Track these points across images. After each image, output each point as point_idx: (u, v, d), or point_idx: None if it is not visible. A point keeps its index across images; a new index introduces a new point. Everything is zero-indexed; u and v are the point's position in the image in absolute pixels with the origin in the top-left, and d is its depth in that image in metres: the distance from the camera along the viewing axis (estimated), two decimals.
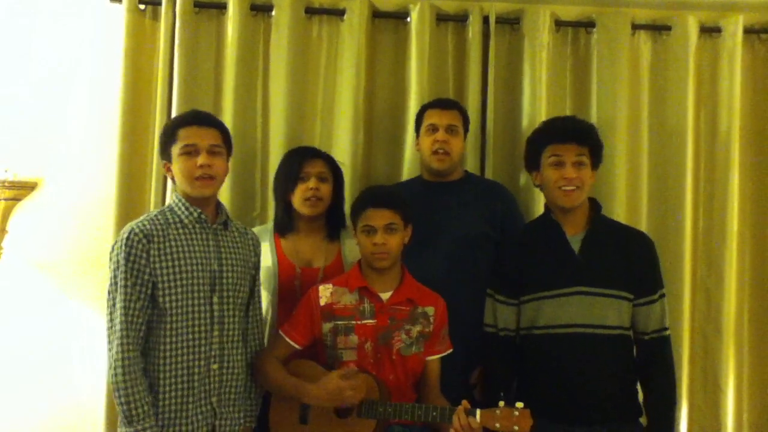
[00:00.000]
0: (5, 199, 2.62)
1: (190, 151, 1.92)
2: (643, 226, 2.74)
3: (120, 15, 2.66)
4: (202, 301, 1.90)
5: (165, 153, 1.98)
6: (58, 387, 2.69)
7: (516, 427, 1.82)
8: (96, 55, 2.73)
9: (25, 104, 2.71)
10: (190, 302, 1.88)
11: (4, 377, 2.67)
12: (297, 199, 2.31)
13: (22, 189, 2.65)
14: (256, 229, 2.43)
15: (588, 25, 2.81)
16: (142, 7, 2.68)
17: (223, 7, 2.69)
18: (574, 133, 2.09)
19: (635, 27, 2.81)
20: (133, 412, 1.79)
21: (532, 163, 2.16)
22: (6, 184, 2.60)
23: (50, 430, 2.69)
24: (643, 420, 2.11)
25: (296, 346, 2.09)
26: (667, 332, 2.09)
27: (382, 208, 2.05)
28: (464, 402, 1.90)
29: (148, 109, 2.69)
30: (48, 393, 2.69)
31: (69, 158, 2.71)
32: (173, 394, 1.86)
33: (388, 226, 2.04)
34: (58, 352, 2.69)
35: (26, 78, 2.72)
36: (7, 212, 2.65)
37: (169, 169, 1.98)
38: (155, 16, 2.71)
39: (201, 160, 1.91)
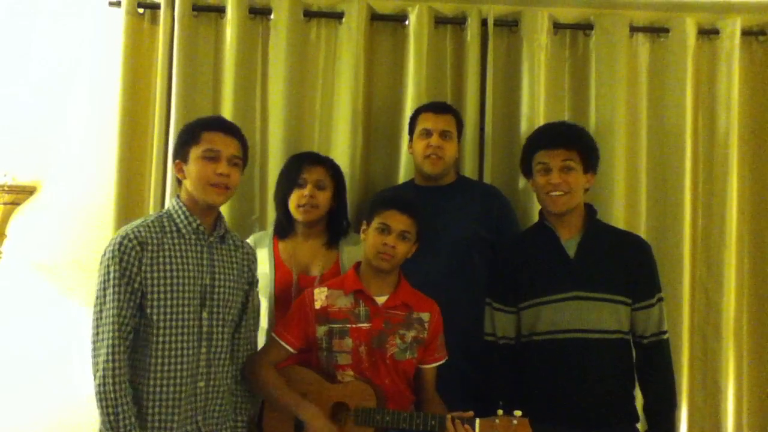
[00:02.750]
0: (4, 204, 2.62)
1: (212, 156, 1.87)
2: (641, 228, 2.75)
3: (119, 17, 2.65)
4: (190, 315, 1.84)
5: (181, 152, 1.92)
6: (58, 387, 2.69)
7: None
8: (96, 57, 2.73)
9: (24, 107, 2.71)
10: (179, 316, 1.82)
11: (4, 378, 2.68)
12: (292, 205, 2.31)
13: (21, 193, 2.65)
14: (256, 235, 2.45)
15: (586, 27, 2.81)
16: (140, 10, 2.69)
17: (221, 11, 2.69)
18: (560, 138, 2.11)
19: (633, 29, 2.81)
20: (120, 423, 1.72)
21: (526, 170, 2.18)
22: (5, 189, 2.61)
23: (50, 430, 2.69)
24: (640, 426, 2.11)
25: (290, 350, 2.07)
26: (666, 336, 2.10)
27: (405, 213, 2.05)
28: (468, 412, 1.89)
29: (146, 112, 2.70)
30: (48, 393, 2.69)
31: (68, 161, 2.72)
32: (158, 410, 1.79)
33: (403, 232, 2.04)
34: (58, 354, 2.69)
35: (26, 79, 2.72)
36: (6, 216, 2.65)
37: (181, 169, 1.92)
38: (154, 20, 2.71)
39: (221, 168, 1.87)
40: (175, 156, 1.96)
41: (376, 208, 2.09)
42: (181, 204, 1.92)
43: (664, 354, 2.10)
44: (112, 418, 1.73)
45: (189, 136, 1.92)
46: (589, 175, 2.13)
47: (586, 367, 2.03)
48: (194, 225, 1.90)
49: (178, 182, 1.98)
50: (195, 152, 1.89)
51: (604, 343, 2.03)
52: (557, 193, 2.06)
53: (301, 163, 2.34)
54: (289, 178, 2.33)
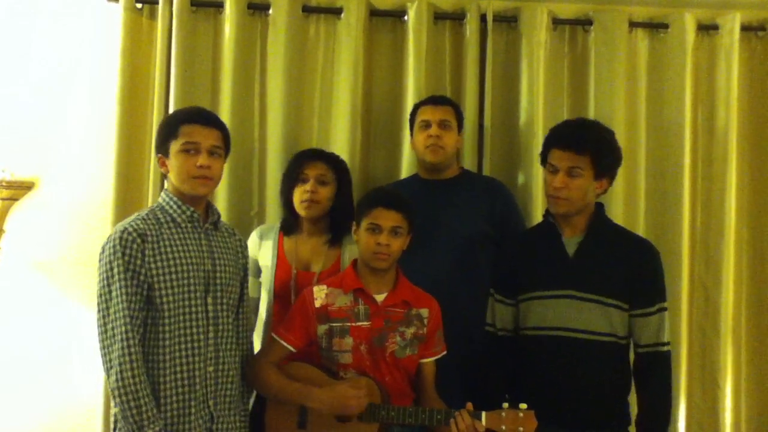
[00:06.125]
0: (2, 199, 2.62)
1: (190, 149, 1.86)
2: (640, 225, 2.75)
3: (118, 15, 2.65)
4: (197, 301, 1.86)
5: (162, 147, 1.91)
6: (57, 387, 2.70)
7: (521, 429, 1.81)
8: (95, 55, 2.73)
9: (23, 104, 2.71)
10: (186, 303, 1.84)
11: (4, 377, 2.67)
12: (295, 201, 2.32)
13: (19, 189, 2.65)
14: (263, 227, 2.47)
15: (585, 23, 2.82)
16: (139, 6, 2.69)
17: (220, 6, 2.69)
18: (573, 141, 2.01)
19: (632, 25, 2.81)
20: (144, 416, 1.72)
21: (543, 163, 2.12)
22: (3, 184, 2.61)
23: (50, 430, 2.69)
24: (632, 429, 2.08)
25: (292, 349, 2.06)
26: (665, 348, 2.01)
27: (392, 209, 2.04)
28: (469, 404, 1.88)
29: (145, 108, 2.69)
30: (48, 393, 2.69)
31: (66, 158, 2.72)
32: (175, 398, 1.81)
33: (394, 228, 2.03)
34: (58, 352, 2.69)
35: (25, 78, 2.72)
36: (4, 212, 2.65)
37: (164, 164, 1.92)
38: (152, 15, 2.70)
39: (201, 160, 1.86)
40: (157, 151, 1.95)
41: (363, 208, 2.08)
42: (170, 195, 1.92)
43: (659, 367, 2.02)
44: (134, 411, 1.72)
45: (168, 130, 1.91)
46: (603, 181, 2.05)
47: (571, 366, 2.00)
48: (188, 213, 1.91)
49: (165, 176, 1.98)
50: (174, 146, 1.88)
51: (593, 345, 1.99)
52: (556, 195, 2.02)
53: (303, 159, 2.35)
54: (292, 175, 2.34)
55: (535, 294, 2.06)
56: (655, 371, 2.03)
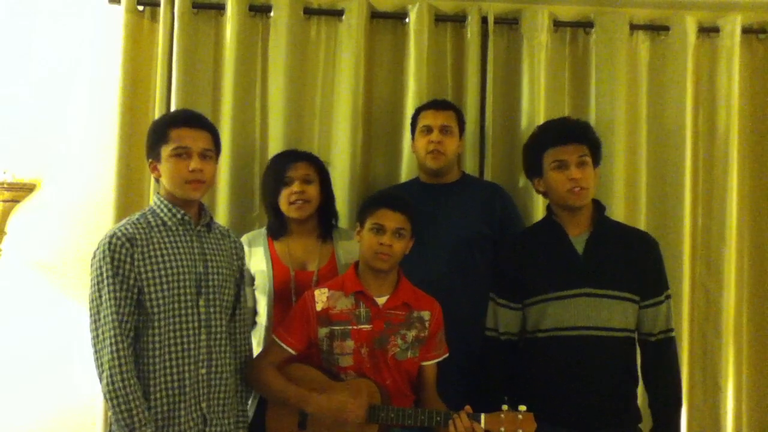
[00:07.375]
0: (4, 201, 2.62)
1: (181, 154, 1.86)
2: (641, 226, 2.74)
3: (119, 15, 2.65)
4: (188, 304, 1.86)
5: (153, 152, 1.91)
6: (58, 387, 2.70)
7: (520, 430, 1.83)
8: (96, 55, 2.74)
9: (25, 105, 2.71)
10: (176, 305, 1.84)
11: (4, 377, 2.67)
12: (283, 204, 2.31)
13: (20, 190, 2.65)
14: (250, 234, 2.44)
15: (586, 25, 2.82)
16: (140, 8, 2.69)
17: (221, 8, 2.69)
18: (573, 133, 2.08)
19: (633, 27, 2.81)
20: (135, 419, 1.73)
21: (534, 169, 2.13)
22: (5, 186, 2.61)
23: (50, 430, 2.69)
24: (642, 426, 2.10)
25: (292, 352, 2.06)
26: (673, 333, 2.08)
27: (397, 211, 2.05)
28: (467, 407, 1.90)
29: (146, 110, 2.69)
30: (48, 393, 2.69)
31: (68, 159, 2.72)
32: (164, 400, 1.81)
33: (398, 230, 2.04)
34: (58, 353, 2.69)
35: (26, 78, 2.72)
36: (6, 214, 2.65)
37: (155, 169, 1.92)
38: (154, 17, 2.71)
39: (194, 164, 1.86)
40: (148, 156, 1.95)
41: (368, 208, 2.09)
42: (162, 199, 1.93)
43: (671, 352, 2.07)
44: (125, 415, 1.74)
45: (158, 135, 1.91)
46: (596, 170, 2.11)
47: (591, 365, 2.01)
48: (179, 216, 1.91)
49: (157, 181, 1.98)
50: (165, 151, 1.88)
51: (611, 341, 2.01)
52: (578, 188, 2.02)
53: (285, 162, 2.34)
54: (276, 178, 2.33)
55: (549, 295, 2.05)
56: (668, 357, 2.08)
